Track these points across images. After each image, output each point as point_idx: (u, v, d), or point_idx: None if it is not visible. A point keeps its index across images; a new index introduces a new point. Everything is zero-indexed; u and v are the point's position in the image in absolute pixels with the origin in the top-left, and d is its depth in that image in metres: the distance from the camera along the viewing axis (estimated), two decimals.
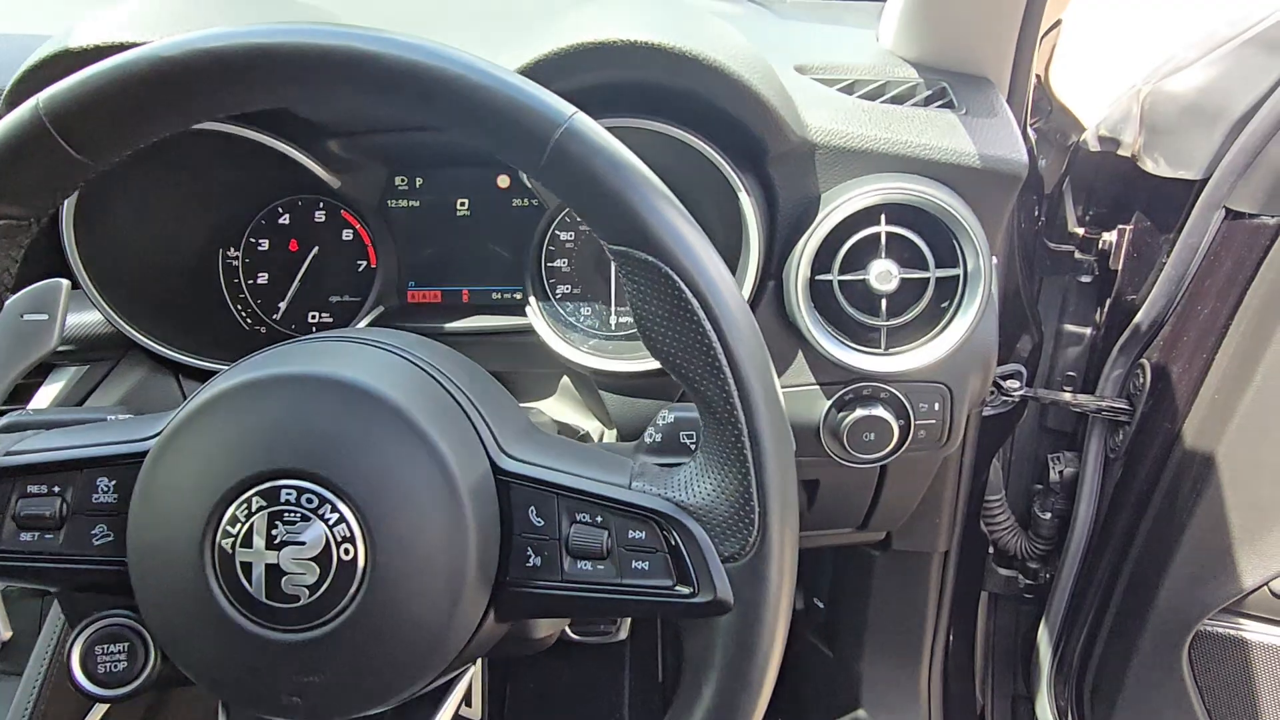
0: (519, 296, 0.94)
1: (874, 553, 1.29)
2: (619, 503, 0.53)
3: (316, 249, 0.93)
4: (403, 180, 0.93)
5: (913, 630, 1.36)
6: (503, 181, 0.93)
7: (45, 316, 0.62)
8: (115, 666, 0.55)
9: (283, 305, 0.94)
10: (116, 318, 0.80)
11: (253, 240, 0.93)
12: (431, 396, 0.55)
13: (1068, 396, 1.19)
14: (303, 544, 0.50)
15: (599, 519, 0.53)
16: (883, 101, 0.80)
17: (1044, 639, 1.33)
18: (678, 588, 0.52)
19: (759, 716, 0.52)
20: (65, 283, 0.62)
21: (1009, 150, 0.77)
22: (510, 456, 0.55)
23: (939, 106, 0.80)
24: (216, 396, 0.52)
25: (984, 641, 1.46)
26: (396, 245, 0.93)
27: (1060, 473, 1.26)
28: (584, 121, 0.50)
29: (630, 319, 0.93)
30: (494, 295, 0.95)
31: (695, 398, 0.52)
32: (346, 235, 0.94)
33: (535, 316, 0.89)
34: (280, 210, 0.93)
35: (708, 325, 0.50)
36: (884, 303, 0.78)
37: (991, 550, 1.38)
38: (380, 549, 0.50)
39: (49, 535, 0.54)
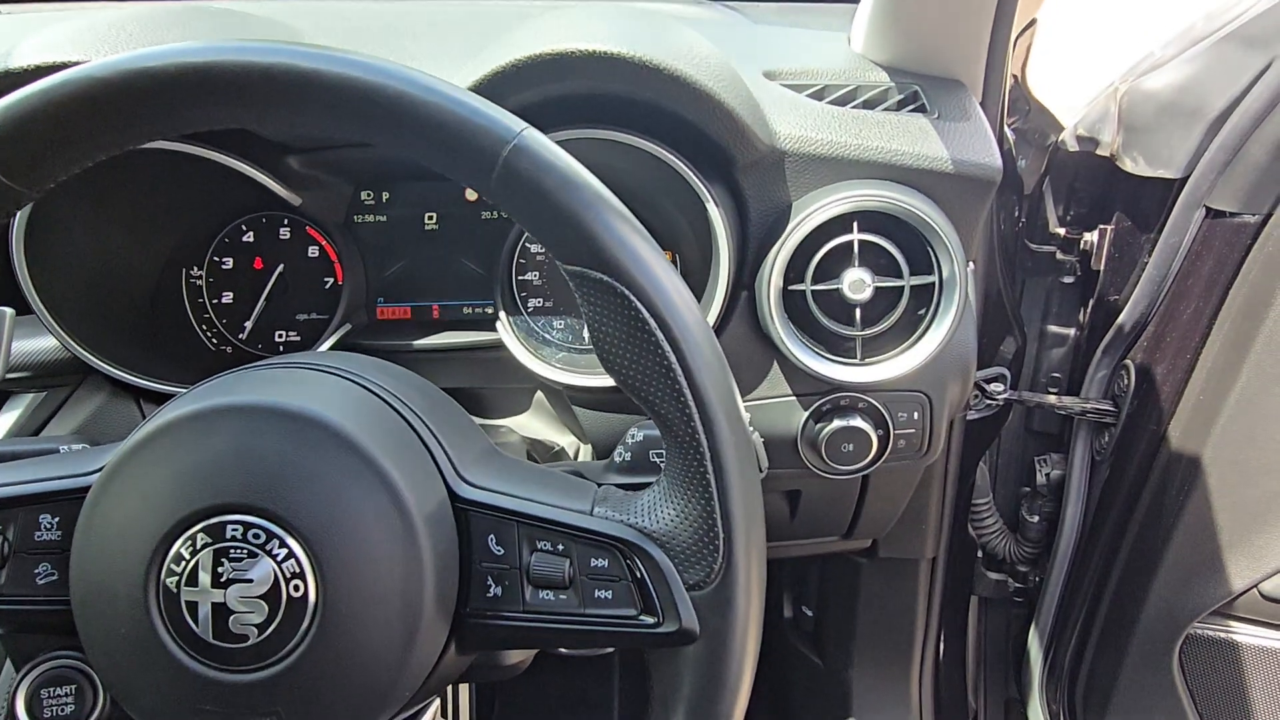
0: (490, 311, 0.92)
1: (861, 560, 1.27)
2: (580, 530, 0.51)
3: (282, 266, 0.91)
4: (369, 195, 0.91)
5: (902, 637, 1.35)
6: (471, 194, 0.91)
7: None
8: (63, 710, 0.53)
9: (248, 325, 0.92)
10: (72, 342, 0.78)
11: (216, 259, 0.91)
12: (384, 423, 0.53)
13: (1052, 399, 1.17)
14: (250, 581, 0.48)
15: (560, 547, 0.52)
16: (853, 106, 0.78)
17: (1034, 643, 1.31)
18: (642, 617, 0.50)
19: None
20: (9, 311, 0.60)
21: (982, 155, 0.75)
22: (468, 483, 0.54)
23: (911, 111, 0.79)
24: (159, 429, 0.50)
25: (975, 646, 1.45)
26: (364, 261, 0.92)
27: (1047, 475, 1.25)
28: (534, 137, 0.48)
29: None
30: (465, 310, 0.93)
31: (656, 421, 0.50)
32: (312, 252, 0.92)
33: (505, 332, 0.87)
34: (244, 228, 0.91)
35: (667, 347, 0.48)
36: (858, 312, 0.76)
37: (980, 554, 1.36)
38: (331, 584, 0.49)
39: None
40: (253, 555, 0.48)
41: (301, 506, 0.49)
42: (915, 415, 0.83)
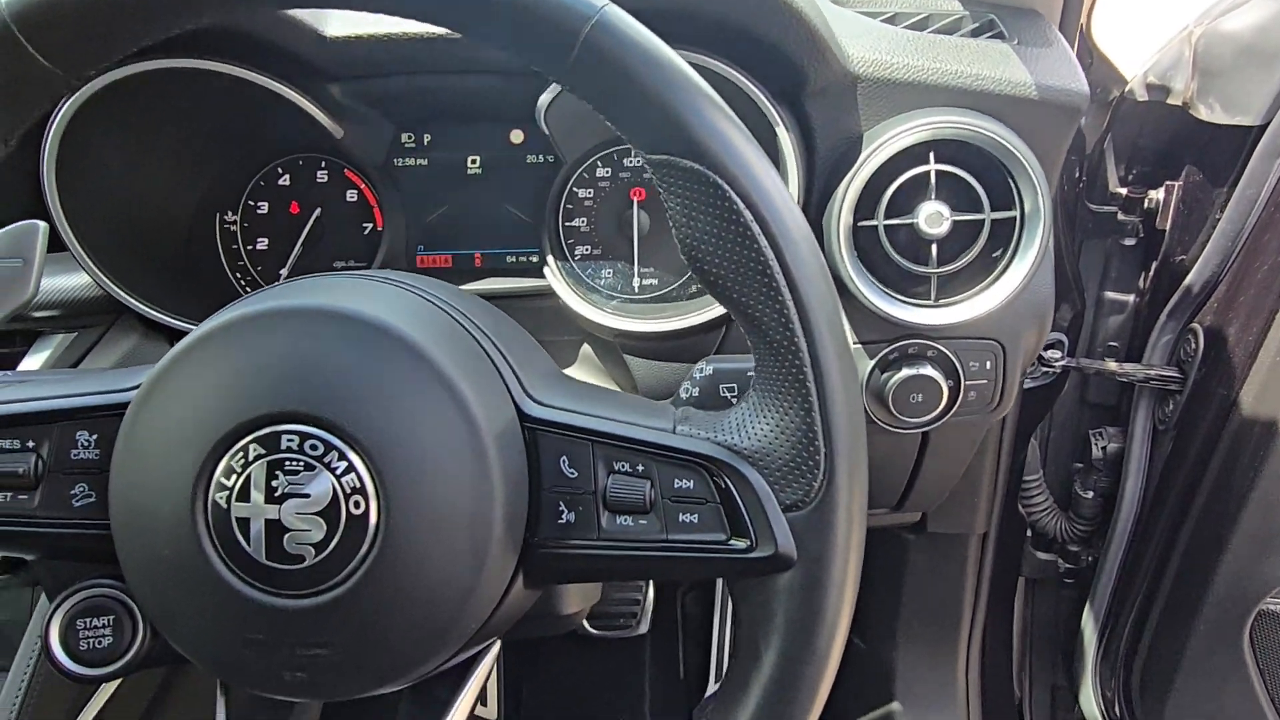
0: (535, 259, 0.89)
1: (908, 536, 1.22)
2: (663, 448, 0.47)
3: (319, 211, 0.87)
4: (409, 137, 0.87)
5: (948, 618, 1.30)
6: (516, 137, 0.87)
7: (20, 262, 0.56)
8: (100, 642, 0.49)
9: (284, 272, 0.88)
10: (106, 279, 0.74)
11: (251, 203, 0.88)
12: (450, 336, 0.49)
13: (1113, 366, 1.12)
14: (307, 497, 0.44)
15: (640, 468, 0.47)
16: (929, 33, 0.74)
17: (1088, 625, 1.26)
18: (732, 542, 0.46)
19: (826, 686, 0.46)
20: (43, 225, 0.57)
21: (1068, 80, 0.71)
22: (537, 402, 0.49)
23: (989, 38, 0.74)
24: (208, 334, 0.46)
25: (1021, 630, 1.40)
26: (404, 206, 0.88)
27: (1103, 448, 1.19)
28: (617, 14, 0.44)
29: (655, 281, 0.87)
30: (508, 258, 0.89)
31: (748, 326, 0.46)
32: (351, 196, 0.88)
33: (554, 277, 0.83)
34: (280, 170, 0.87)
35: (763, 242, 0.44)
36: (934, 248, 0.72)
37: (1029, 533, 1.31)
38: (395, 503, 0.44)
39: (23, 495, 0.48)
40: (310, 468, 0.44)
41: (363, 417, 0.44)
42: (987, 365, 0.78)
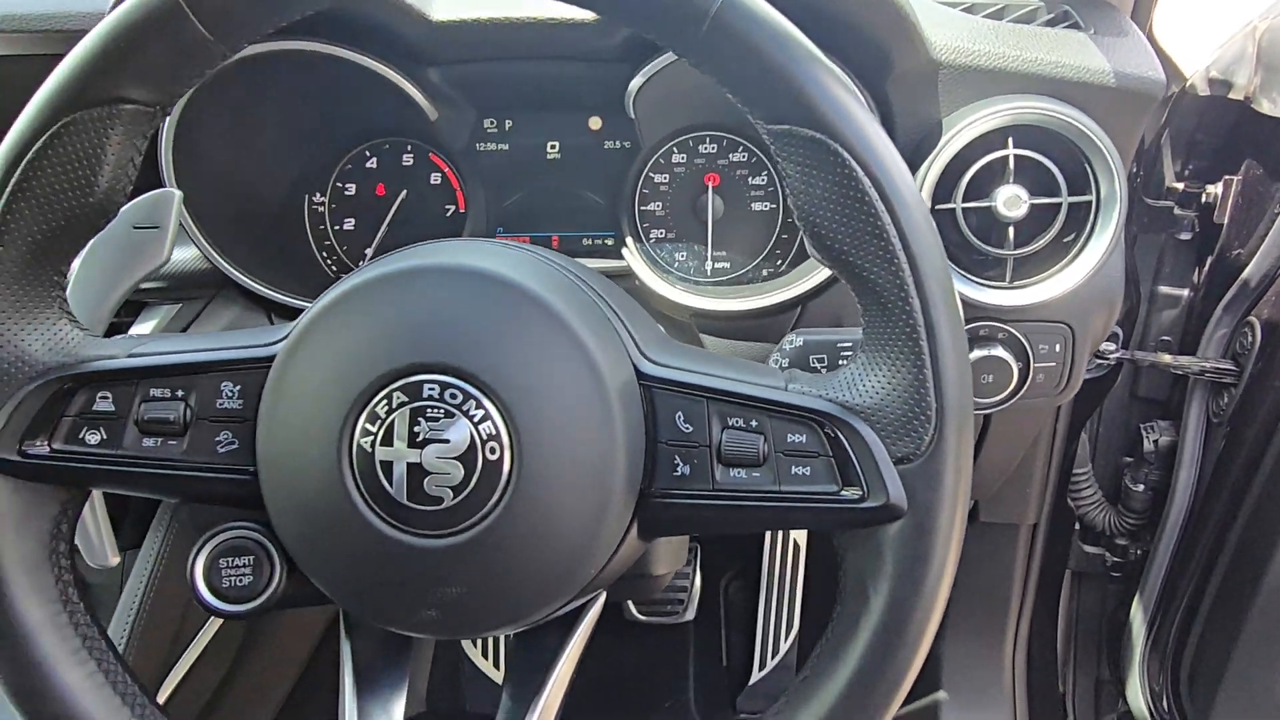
0: (610, 242, 0.91)
1: None
2: (777, 404, 0.49)
3: (405, 193, 0.91)
4: (491, 123, 0.90)
5: (997, 609, 1.31)
6: (594, 123, 0.90)
7: (157, 228, 0.60)
8: (240, 580, 0.52)
9: (369, 251, 0.92)
10: (214, 253, 0.77)
11: (339, 185, 0.91)
12: (575, 295, 0.52)
13: (1168, 358, 1.14)
14: (447, 442, 0.47)
15: (754, 423, 0.50)
16: (1007, 22, 0.76)
17: (1136, 618, 1.27)
18: (844, 493, 0.48)
19: (934, 627, 0.48)
20: (178, 193, 0.60)
21: (1145, 68, 0.73)
22: (654, 362, 0.52)
23: (1065, 28, 0.76)
24: (353, 290, 0.49)
25: (1065, 623, 1.40)
26: (485, 189, 0.91)
27: (1155, 442, 1.20)
28: None
29: (727, 264, 0.90)
30: (584, 241, 0.92)
31: (860, 288, 0.48)
32: (435, 179, 0.91)
33: (634, 258, 0.86)
34: (368, 154, 0.91)
35: (880, 207, 0.46)
36: (1011, 230, 0.74)
37: (1077, 526, 1.32)
38: (527, 450, 0.47)
39: (173, 441, 0.51)
40: (450, 416, 0.47)
41: (499, 369, 0.47)
42: (1056, 348, 0.80)
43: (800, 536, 1.52)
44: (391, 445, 0.47)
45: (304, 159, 0.89)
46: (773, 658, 1.55)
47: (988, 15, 0.77)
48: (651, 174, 0.90)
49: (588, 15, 0.72)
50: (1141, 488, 1.23)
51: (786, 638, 1.55)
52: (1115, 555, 1.31)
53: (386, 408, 0.47)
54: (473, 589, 0.48)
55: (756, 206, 0.90)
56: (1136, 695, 1.27)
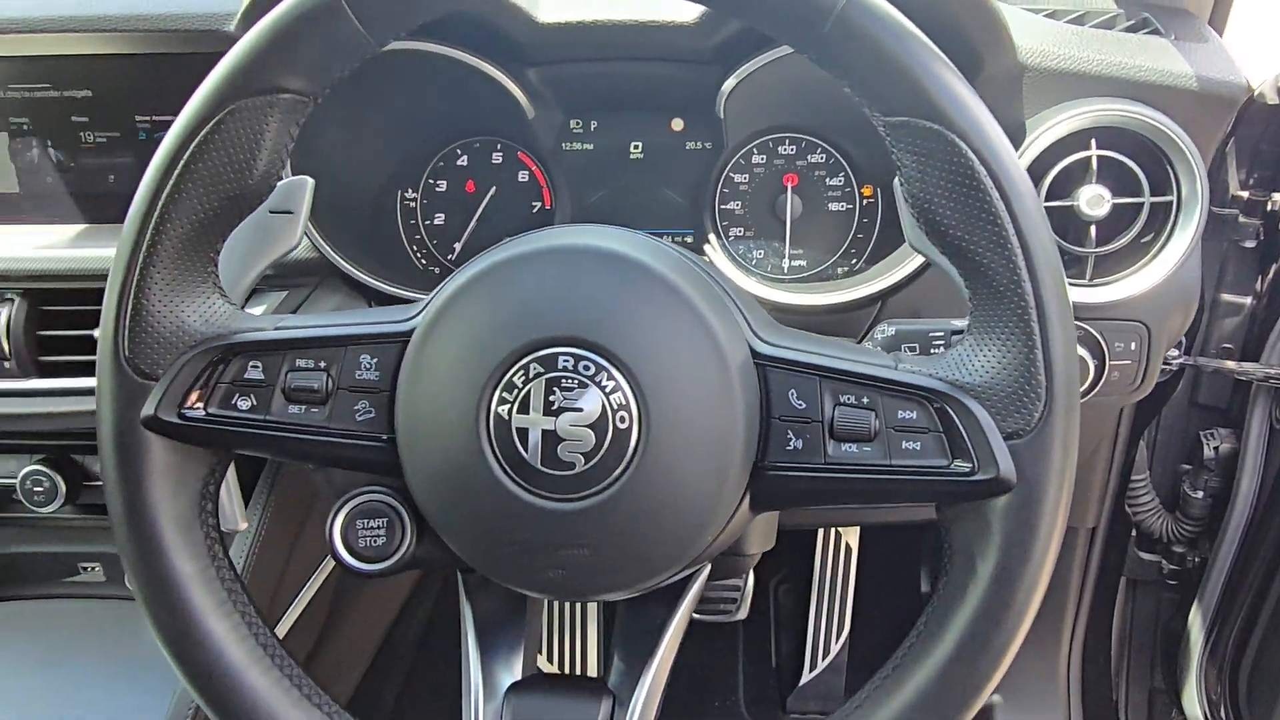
0: (690, 240, 0.94)
1: None
2: (889, 382, 0.52)
3: (494, 189, 0.94)
4: (577, 123, 0.94)
5: (1052, 612, 1.32)
6: (676, 124, 0.94)
7: (290, 213, 0.64)
8: (375, 540, 0.55)
9: (458, 245, 0.96)
10: (322, 242, 0.81)
11: (430, 181, 0.95)
12: (697, 277, 0.55)
13: (1232, 365, 1.14)
14: (580, 411, 0.50)
15: (865, 400, 0.52)
16: (1089, 28, 0.78)
17: (1194, 626, 1.27)
18: (954, 465, 0.51)
19: (1040, 592, 0.50)
20: (310, 181, 0.64)
21: (1226, 72, 0.75)
22: (766, 342, 0.55)
23: (1146, 34, 0.79)
24: (491, 267, 0.53)
25: (1119, 631, 1.40)
26: (570, 187, 0.94)
27: (1216, 449, 1.21)
28: None
29: (804, 262, 0.92)
30: (665, 238, 0.95)
31: (972, 271, 0.51)
32: (522, 177, 0.95)
33: (714, 254, 0.89)
34: (459, 152, 0.95)
35: (995, 194, 0.49)
36: (1093, 229, 0.76)
37: (1134, 533, 1.33)
38: (654, 420, 0.50)
39: (315, 409, 0.54)
40: (583, 386, 0.50)
41: (629, 343, 0.50)
42: (1132, 346, 0.82)
43: (852, 539, 1.53)
44: (528, 413, 0.50)
45: (401, 155, 0.93)
46: (823, 659, 1.56)
47: (1070, 21, 0.80)
48: (732, 174, 0.93)
49: (688, 18, 0.75)
50: (1201, 495, 1.23)
51: (837, 640, 1.57)
52: (1172, 563, 1.31)
53: (524, 378, 0.50)
54: (597, 551, 0.51)
55: (833, 206, 0.93)
56: (1193, 703, 1.27)
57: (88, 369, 0.82)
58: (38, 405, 0.83)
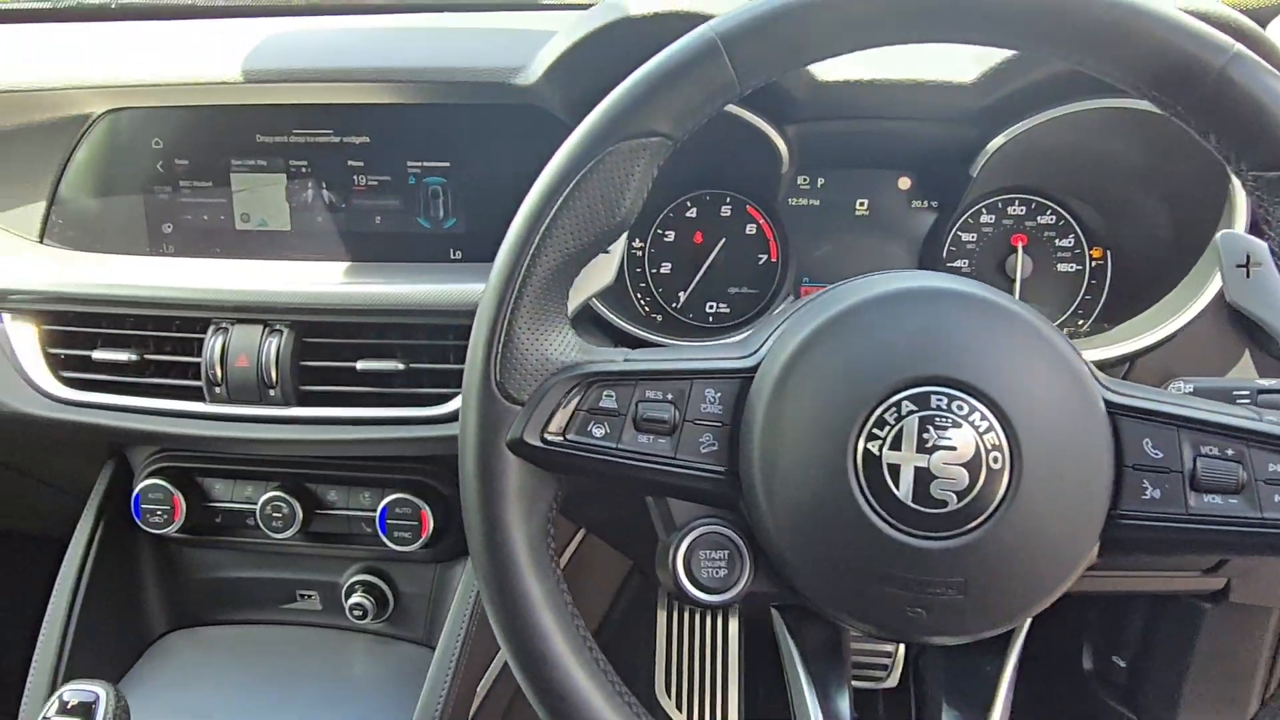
0: None
1: (1204, 605, 1.21)
2: (1258, 434, 0.52)
3: (724, 241, 0.97)
4: (805, 180, 0.97)
5: (1238, 692, 1.26)
6: (903, 183, 0.96)
7: (608, 252, 0.66)
8: (716, 572, 0.56)
9: (683, 295, 0.98)
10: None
11: (659, 232, 0.98)
12: (1049, 323, 0.55)
13: None
14: (954, 449, 0.50)
15: (1229, 451, 0.52)
16: None
17: None
18: None
19: None
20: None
21: None
22: (1114, 391, 0.55)
23: None
24: (854, 308, 0.54)
25: None
26: (795, 241, 0.97)
27: None
28: (1247, 51, 0.51)
29: None
30: None
31: None
32: (750, 230, 0.97)
33: None
34: (688, 204, 0.98)
35: None
36: None
37: None
38: (1026, 461, 0.50)
39: (662, 440, 0.56)
40: (956, 425, 0.51)
41: (1004, 385, 0.51)
42: None
43: None
44: (899, 450, 0.51)
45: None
46: None
47: None
48: (959, 233, 0.94)
49: (968, 78, 0.78)
50: None
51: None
52: None
53: (895, 414, 0.51)
54: (960, 590, 0.51)
55: (1062, 268, 0.93)
56: None
57: (343, 399, 0.86)
58: (297, 432, 0.87)
